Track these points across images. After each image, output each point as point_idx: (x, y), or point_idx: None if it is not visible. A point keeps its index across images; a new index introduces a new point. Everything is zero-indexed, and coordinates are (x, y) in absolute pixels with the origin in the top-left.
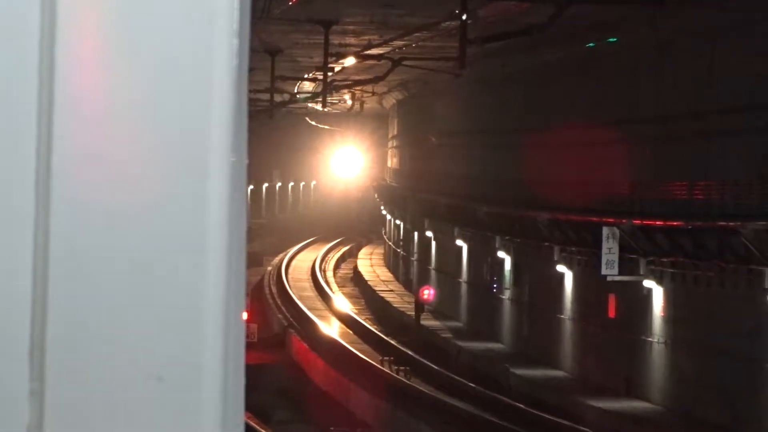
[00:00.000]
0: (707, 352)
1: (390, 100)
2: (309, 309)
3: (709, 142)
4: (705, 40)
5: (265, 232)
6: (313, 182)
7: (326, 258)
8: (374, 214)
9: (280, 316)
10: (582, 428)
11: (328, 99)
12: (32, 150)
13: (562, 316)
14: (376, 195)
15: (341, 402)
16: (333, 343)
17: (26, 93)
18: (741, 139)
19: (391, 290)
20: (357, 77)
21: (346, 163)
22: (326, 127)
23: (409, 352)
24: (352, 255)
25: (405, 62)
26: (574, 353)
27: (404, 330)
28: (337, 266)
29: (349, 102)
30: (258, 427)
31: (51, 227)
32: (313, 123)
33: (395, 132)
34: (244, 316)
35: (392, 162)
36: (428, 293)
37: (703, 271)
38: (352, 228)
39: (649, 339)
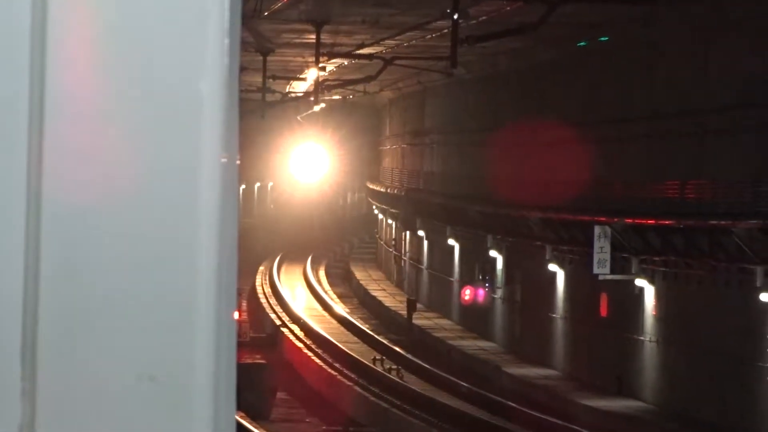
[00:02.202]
0: (699, 350)
1: (383, 99)
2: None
3: (701, 140)
4: (698, 39)
5: None
6: (270, 183)
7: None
8: (345, 222)
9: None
10: (574, 427)
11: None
12: (23, 151)
13: (554, 315)
14: (366, 196)
15: (333, 401)
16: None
17: (17, 94)
18: (733, 137)
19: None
20: (349, 77)
21: (309, 163)
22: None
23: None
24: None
25: (397, 61)
26: (566, 352)
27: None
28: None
29: (322, 107)
30: (250, 427)
31: (42, 228)
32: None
33: (387, 132)
34: (236, 315)
35: (385, 161)
36: (469, 293)
37: (694, 270)
38: (317, 238)
39: (641, 338)
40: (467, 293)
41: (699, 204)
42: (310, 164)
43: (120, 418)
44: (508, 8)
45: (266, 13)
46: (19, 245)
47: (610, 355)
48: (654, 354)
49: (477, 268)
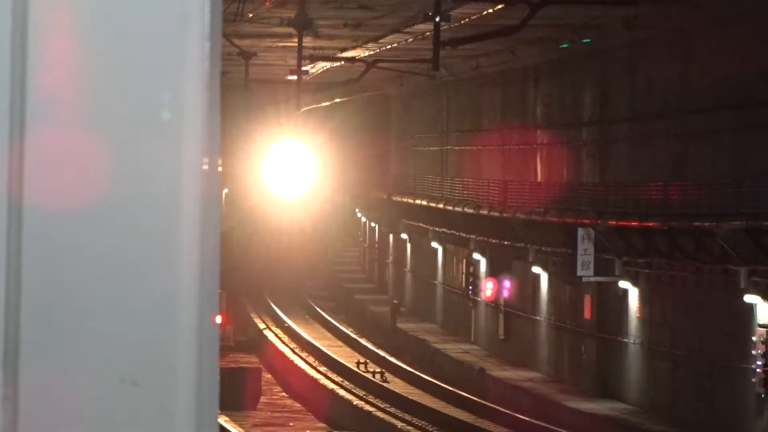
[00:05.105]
0: (683, 352)
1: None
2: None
3: (684, 142)
4: (680, 40)
5: None
6: (225, 190)
7: None
8: (336, 259)
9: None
10: (558, 429)
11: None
12: (4, 155)
13: (537, 318)
14: (350, 199)
15: (318, 404)
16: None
17: None
18: (716, 138)
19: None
20: (333, 80)
21: (287, 168)
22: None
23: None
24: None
25: (379, 64)
26: (550, 354)
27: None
28: None
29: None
30: (234, 430)
31: (23, 233)
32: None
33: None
34: (218, 319)
35: (372, 165)
36: (492, 287)
37: (678, 271)
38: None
39: (625, 340)
40: (489, 286)
41: (683, 205)
42: (291, 171)
43: (102, 422)
44: (490, 10)
45: (248, 17)
46: (1, 250)
47: (594, 356)
48: (638, 356)
49: (461, 271)
